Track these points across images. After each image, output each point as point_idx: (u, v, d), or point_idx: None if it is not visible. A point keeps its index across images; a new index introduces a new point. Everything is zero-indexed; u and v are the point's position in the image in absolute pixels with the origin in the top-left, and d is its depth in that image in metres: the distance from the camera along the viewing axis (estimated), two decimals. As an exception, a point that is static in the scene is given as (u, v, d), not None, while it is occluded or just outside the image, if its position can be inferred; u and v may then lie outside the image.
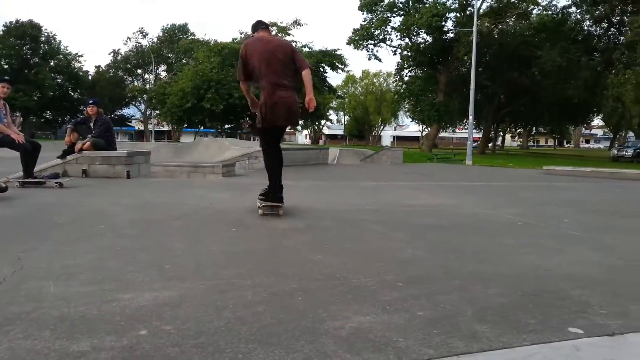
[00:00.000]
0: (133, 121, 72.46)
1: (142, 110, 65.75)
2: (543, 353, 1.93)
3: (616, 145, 52.22)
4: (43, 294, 2.50)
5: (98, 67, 64.62)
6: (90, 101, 9.73)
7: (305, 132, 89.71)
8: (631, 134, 59.62)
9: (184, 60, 53.87)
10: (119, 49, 65.23)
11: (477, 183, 10.71)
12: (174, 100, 26.31)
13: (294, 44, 27.89)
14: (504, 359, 1.88)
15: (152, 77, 61.01)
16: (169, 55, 62.74)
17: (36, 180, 7.37)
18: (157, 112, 40.53)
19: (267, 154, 5.38)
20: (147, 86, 57.71)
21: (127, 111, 69.01)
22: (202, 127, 41.78)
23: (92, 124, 9.51)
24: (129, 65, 63.25)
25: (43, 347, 1.88)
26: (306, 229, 4.54)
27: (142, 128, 70.55)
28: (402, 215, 5.60)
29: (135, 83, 63.06)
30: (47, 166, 8.91)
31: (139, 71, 64.81)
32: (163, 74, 62.83)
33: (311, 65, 28.08)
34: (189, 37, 57.96)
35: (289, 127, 5.35)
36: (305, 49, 29.88)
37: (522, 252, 3.72)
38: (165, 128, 66.86)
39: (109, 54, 66.03)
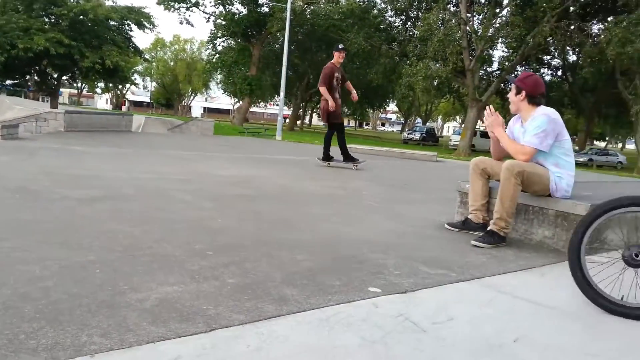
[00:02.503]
0: None
1: None
2: (347, 311, 2.03)
3: (406, 129, 58.61)
4: None
5: None
6: None
7: (106, 96, 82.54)
8: (419, 119, 67.49)
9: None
10: None
11: (286, 157, 11.04)
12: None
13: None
14: (312, 319, 1.93)
15: None
16: None
17: None
18: None
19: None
20: None
21: None
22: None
23: None
24: None
25: None
26: (104, 198, 4.15)
27: None
28: (212, 185, 5.48)
29: None
30: None
31: None
32: None
33: (116, 21, 25.49)
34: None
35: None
36: (109, 3, 27.26)
37: (327, 221, 3.91)
38: None
39: None
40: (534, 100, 3.49)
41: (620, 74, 26.88)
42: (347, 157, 8.39)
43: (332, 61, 8.01)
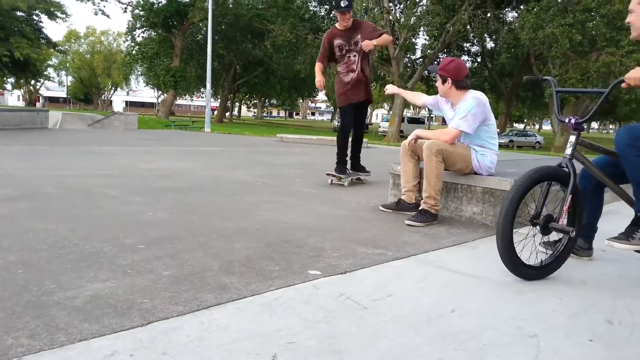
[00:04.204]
0: None
1: None
2: (288, 295, 2.02)
3: (336, 117, 59.23)
4: None
5: None
6: None
7: (18, 92, 77.18)
8: (348, 107, 68.43)
9: None
10: None
11: (216, 148, 10.83)
12: None
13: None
14: (253, 304, 1.90)
15: None
16: None
17: None
18: None
19: None
20: None
21: None
22: None
23: None
24: None
25: None
26: (23, 197, 3.89)
27: None
28: (140, 179, 5.27)
29: None
30: None
31: None
32: None
33: (24, 11, 23.77)
34: None
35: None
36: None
37: (263, 209, 3.87)
38: None
39: None
40: (460, 84, 3.59)
41: (534, 59, 28.44)
42: (351, 165, 5.79)
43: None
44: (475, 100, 3.50)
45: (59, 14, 27.26)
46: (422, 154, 3.69)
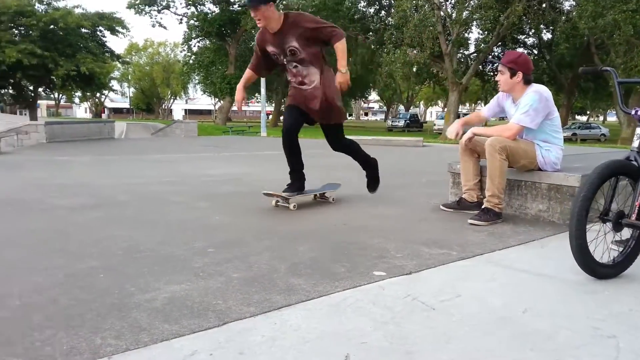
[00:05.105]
0: None
1: None
2: (355, 296, 2.04)
3: (390, 117, 58.80)
4: None
5: None
6: None
7: (85, 105, 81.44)
8: (402, 107, 67.76)
9: None
10: None
11: (273, 152, 11.01)
12: None
13: (61, 2, 24.45)
14: (321, 306, 1.94)
15: None
16: None
17: None
18: None
19: None
20: None
21: None
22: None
23: None
24: None
25: None
26: (96, 205, 4.11)
27: None
28: (203, 185, 5.45)
29: None
30: None
31: None
32: None
33: (88, 28, 24.83)
34: None
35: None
36: (79, 10, 26.85)
37: (325, 212, 3.91)
38: None
39: None
40: (528, 78, 3.48)
41: (595, 48, 27.19)
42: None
43: None
44: (536, 94, 3.39)
45: (120, 29, 28.62)
46: (482, 151, 3.62)
